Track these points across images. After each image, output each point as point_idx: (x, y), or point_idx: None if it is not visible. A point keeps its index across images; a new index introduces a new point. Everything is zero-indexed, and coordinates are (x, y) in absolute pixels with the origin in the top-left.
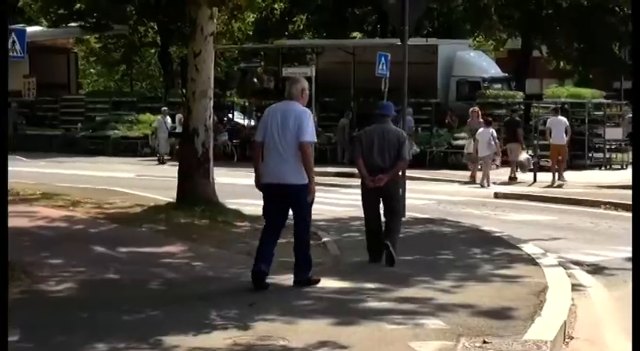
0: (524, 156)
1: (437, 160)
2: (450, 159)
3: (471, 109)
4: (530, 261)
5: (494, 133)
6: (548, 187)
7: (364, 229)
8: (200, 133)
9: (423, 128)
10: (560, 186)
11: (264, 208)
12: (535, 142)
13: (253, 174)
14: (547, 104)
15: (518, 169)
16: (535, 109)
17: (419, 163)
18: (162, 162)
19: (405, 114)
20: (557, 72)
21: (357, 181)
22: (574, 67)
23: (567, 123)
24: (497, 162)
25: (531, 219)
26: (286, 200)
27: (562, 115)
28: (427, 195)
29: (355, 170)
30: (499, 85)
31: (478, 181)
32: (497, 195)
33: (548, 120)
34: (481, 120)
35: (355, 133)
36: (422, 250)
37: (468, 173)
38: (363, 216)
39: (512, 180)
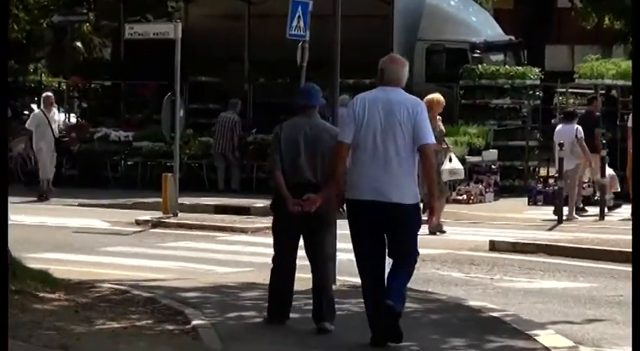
0: (607, 173)
1: None
2: None
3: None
4: None
5: (581, 132)
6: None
7: (268, 294)
8: None
9: None
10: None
11: (356, 238)
12: (561, 154)
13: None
14: (582, 88)
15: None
16: (561, 97)
17: None
18: (44, 197)
19: (337, 105)
20: (597, 34)
21: (252, 222)
22: (627, 25)
23: None
24: (586, 177)
25: (552, 287)
26: (387, 225)
27: (608, 105)
28: None
29: (250, 202)
30: (499, 56)
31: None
32: (494, 246)
33: (630, 117)
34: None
35: (251, 136)
36: (365, 341)
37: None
38: (260, 282)
39: (580, 210)
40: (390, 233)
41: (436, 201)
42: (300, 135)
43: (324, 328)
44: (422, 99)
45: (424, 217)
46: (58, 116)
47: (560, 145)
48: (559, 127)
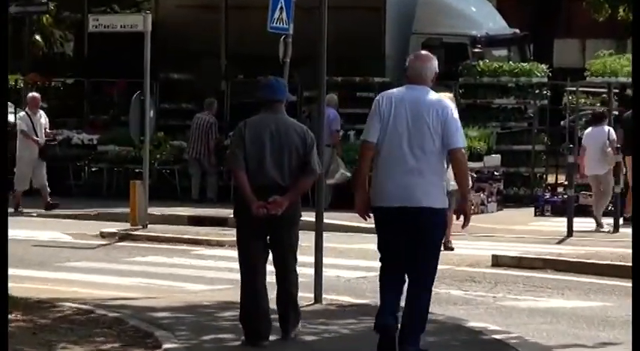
0: None
1: None
2: None
3: None
4: None
5: (613, 134)
6: None
7: (240, 305)
8: None
9: (359, 132)
10: None
11: (381, 243)
12: (571, 159)
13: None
14: (594, 87)
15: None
16: (571, 97)
17: (346, 197)
18: (19, 207)
19: (323, 105)
20: (610, 27)
21: (229, 235)
22: None
23: None
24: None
25: (561, 306)
26: (413, 230)
27: (622, 107)
28: (361, 261)
29: (228, 212)
30: (503, 52)
31: None
32: (497, 261)
33: None
34: None
35: (229, 140)
36: None
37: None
38: (237, 300)
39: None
40: (415, 238)
41: (470, 204)
42: (266, 133)
43: (290, 337)
44: None
45: (456, 222)
46: (45, 119)
47: (570, 149)
48: (588, 130)
